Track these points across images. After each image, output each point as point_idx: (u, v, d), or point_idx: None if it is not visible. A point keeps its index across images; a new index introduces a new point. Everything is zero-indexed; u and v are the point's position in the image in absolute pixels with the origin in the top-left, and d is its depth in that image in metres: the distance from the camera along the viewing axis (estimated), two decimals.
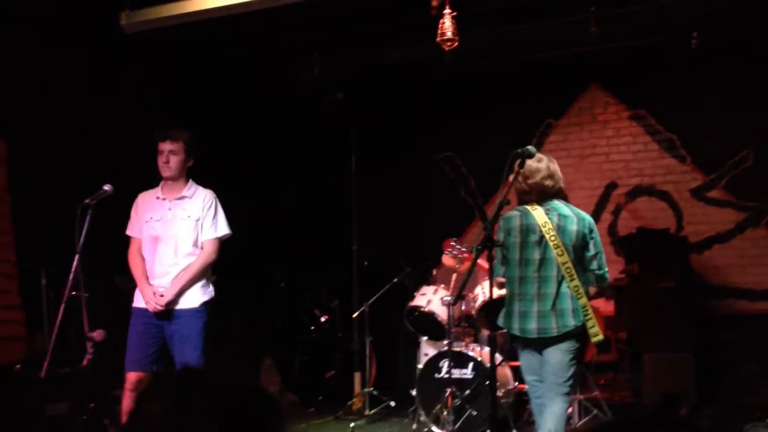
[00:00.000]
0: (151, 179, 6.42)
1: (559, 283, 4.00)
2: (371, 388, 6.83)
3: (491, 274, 3.99)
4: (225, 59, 6.73)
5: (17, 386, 4.76)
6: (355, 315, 6.99)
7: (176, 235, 4.64)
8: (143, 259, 4.68)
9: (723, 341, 6.90)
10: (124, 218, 4.87)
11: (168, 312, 4.56)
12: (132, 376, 4.52)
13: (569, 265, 4.00)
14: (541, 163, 4.11)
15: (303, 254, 7.48)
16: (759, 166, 7.18)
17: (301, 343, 7.33)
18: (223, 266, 6.58)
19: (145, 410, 1.19)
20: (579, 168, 7.95)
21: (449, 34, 5.49)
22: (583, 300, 4.01)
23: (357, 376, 7.10)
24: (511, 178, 4.00)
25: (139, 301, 4.64)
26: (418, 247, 7.61)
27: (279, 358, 6.93)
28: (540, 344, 4.09)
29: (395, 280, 6.79)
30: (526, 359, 4.21)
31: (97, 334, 4.37)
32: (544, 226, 4.02)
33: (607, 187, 7.83)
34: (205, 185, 5.55)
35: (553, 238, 4.00)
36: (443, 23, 5.49)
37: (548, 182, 4.11)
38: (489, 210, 7.93)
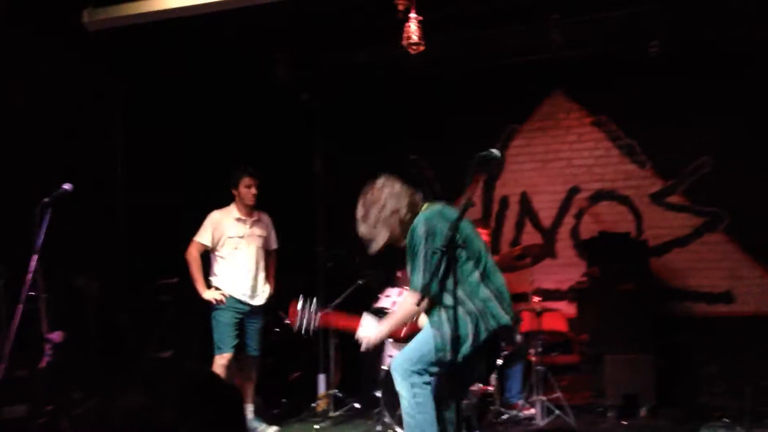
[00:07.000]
0: (110, 178, 6.34)
1: None
2: (336, 390, 6.82)
3: (455, 275, 4.01)
4: (190, 58, 6.67)
5: None
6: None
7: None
8: None
9: (682, 343, 7.02)
10: (83, 217, 4.76)
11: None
12: None
13: None
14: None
15: None
16: (717, 171, 7.33)
17: (265, 344, 7.26)
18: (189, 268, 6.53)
19: (125, 404, 1.23)
20: (542, 172, 8.03)
21: (415, 38, 5.53)
22: None
23: (321, 378, 7.08)
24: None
25: None
26: (383, 250, 7.60)
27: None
28: None
29: (360, 281, 6.78)
30: None
31: (56, 336, 4.30)
32: None
33: (570, 192, 7.93)
34: (167, 185, 5.44)
35: None
36: (409, 27, 5.52)
37: None
38: None
